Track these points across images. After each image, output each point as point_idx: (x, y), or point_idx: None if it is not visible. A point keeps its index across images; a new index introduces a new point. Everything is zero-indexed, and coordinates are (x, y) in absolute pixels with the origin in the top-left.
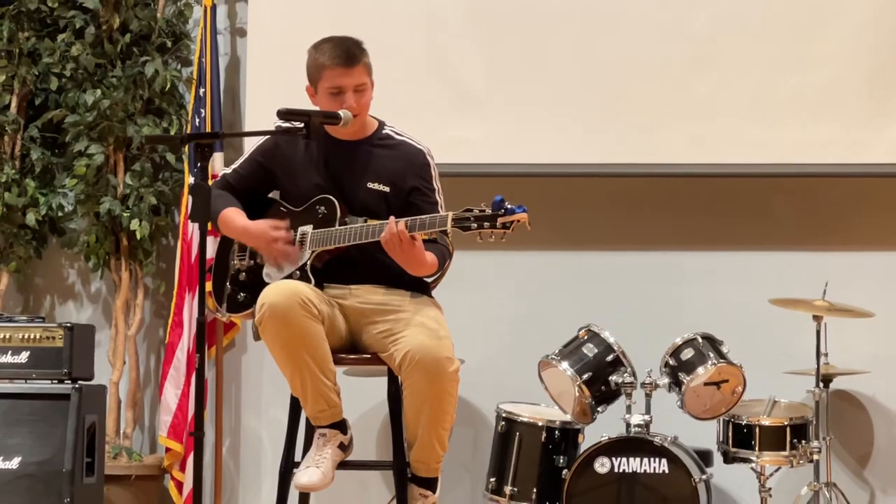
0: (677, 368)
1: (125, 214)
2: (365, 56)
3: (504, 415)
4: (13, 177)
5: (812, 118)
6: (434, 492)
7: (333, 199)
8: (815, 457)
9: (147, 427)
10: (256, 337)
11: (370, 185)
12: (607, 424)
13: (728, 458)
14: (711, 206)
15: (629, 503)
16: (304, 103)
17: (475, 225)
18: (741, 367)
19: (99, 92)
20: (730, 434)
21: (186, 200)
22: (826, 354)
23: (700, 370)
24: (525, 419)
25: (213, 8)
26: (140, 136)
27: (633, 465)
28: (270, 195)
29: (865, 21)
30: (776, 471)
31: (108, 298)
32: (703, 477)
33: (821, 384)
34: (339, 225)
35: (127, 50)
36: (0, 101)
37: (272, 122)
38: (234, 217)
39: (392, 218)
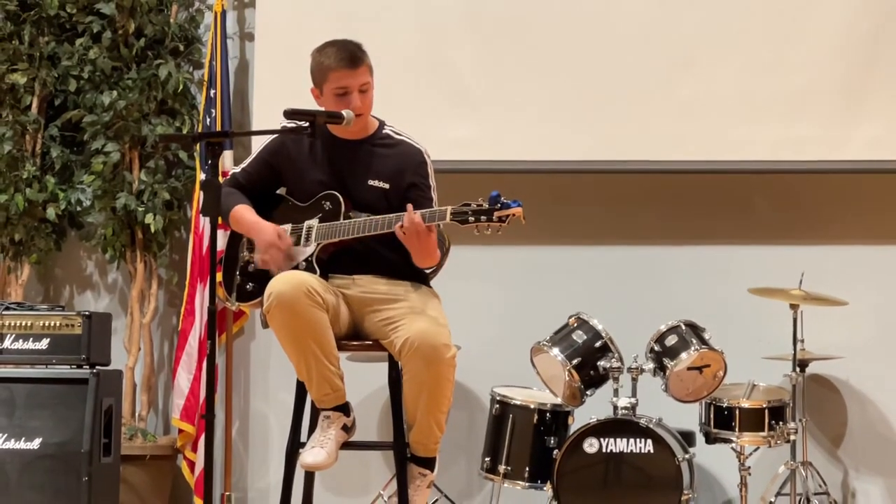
0: (662, 354)
1: (140, 209)
2: (366, 57)
3: (498, 398)
4: (34, 173)
5: (790, 118)
6: (432, 471)
7: (338, 194)
8: (792, 437)
9: (161, 410)
10: (264, 325)
11: (371, 182)
12: (596, 407)
13: (710, 439)
14: (694, 201)
15: (616, 481)
16: (310, 104)
17: (473, 218)
18: (722, 352)
19: (115, 93)
20: (711, 416)
21: (198, 196)
22: (802, 341)
23: (683, 356)
24: (518, 402)
25: (223, 14)
26: (154, 135)
27: (620, 445)
28: (278, 191)
29: (839, 27)
30: (755, 450)
31: (123, 288)
32: (686, 456)
33: (797, 369)
34: (344, 219)
35: (142, 53)
36: (22, 101)
37: (279, 122)
38: (244, 214)
39: (410, 207)
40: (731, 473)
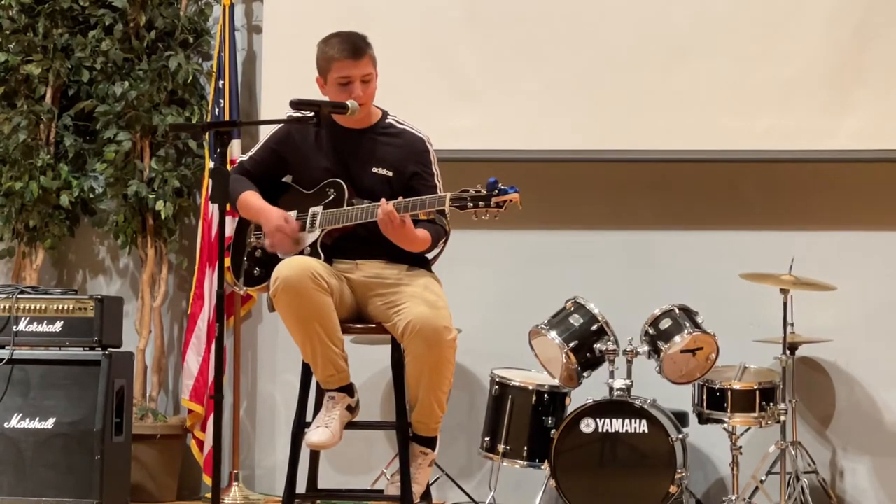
0: (656, 337)
1: (151, 196)
2: (370, 49)
3: (497, 379)
4: (48, 162)
5: (779, 109)
6: (433, 450)
7: (342, 182)
8: (782, 418)
9: (171, 390)
10: (271, 308)
11: (375, 169)
12: (592, 388)
13: (702, 419)
14: (687, 189)
15: (612, 460)
16: (315, 95)
17: (471, 204)
18: (714, 335)
19: (127, 84)
20: (704, 397)
21: (207, 183)
22: (792, 324)
23: (677, 339)
24: (517, 383)
25: (232, 7)
26: (164, 125)
27: (616, 425)
28: (284, 179)
29: (826, 21)
30: (746, 430)
31: (135, 273)
32: (680, 436)
33: (787, 351)
34: (347, 206)
35: (152, 45)
36: (36, 92)
37: (285, 112)
38: (251, 199)
39: (383, 199)
40: (723, 453)
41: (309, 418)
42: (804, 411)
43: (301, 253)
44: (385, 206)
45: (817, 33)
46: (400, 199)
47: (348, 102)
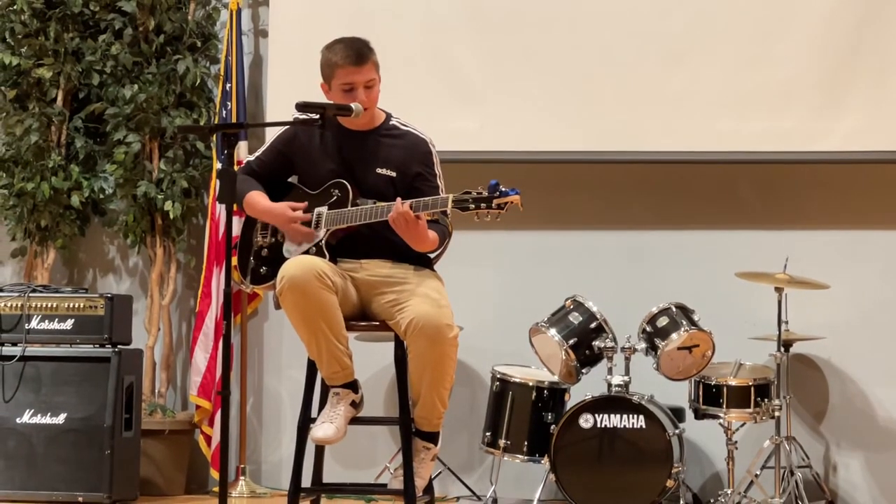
0: (653, 334)
1: (159, 196)
2: (373, 54)
3: (498, 376)
4: (59, 163)
5: (774, 111)
6: (436, 444)
7: (346, 182)
8: (777, 413)
9: (179, 387)
10: (277, 306)
11: (379, 170)
12: (591, 385)
13: (699, 415)
14: (684, 189)
15: (610, 455)
16: (320, 97)
17: (473, 205)
18: (710, 333)
19: (136, 87)
20: (700, 393)
21: (214, 184)
22: (786, 322)
23: (674, 336)
24: (517, 380)
25: (239, 12)
26: (173, 127)
27: (614, 420)
28: (289, 180)
29: (820, 24)
30: (742, 426)
31: (144, 272)
32: (677, 431)
33: (781, 349)
34: (352, 206)
35: (161, 49)
36: (48, 95)
37: (291, 114)
38: (257, 199)
39: (399, 199)
40: (719, 447)
41: (314, 414)
42: (798, 407)
43: (307, 252)
44: (400, 207)
45: (812, 36)
46: (399, 200)
47: (352, 105)
